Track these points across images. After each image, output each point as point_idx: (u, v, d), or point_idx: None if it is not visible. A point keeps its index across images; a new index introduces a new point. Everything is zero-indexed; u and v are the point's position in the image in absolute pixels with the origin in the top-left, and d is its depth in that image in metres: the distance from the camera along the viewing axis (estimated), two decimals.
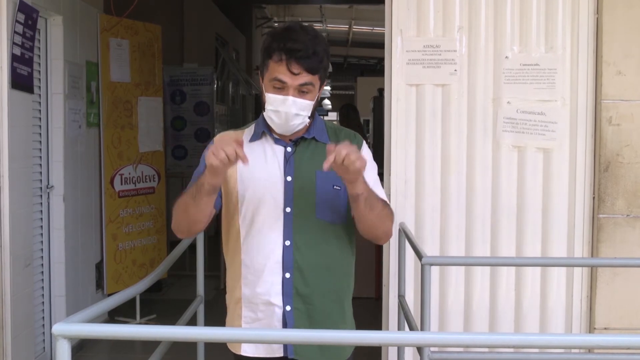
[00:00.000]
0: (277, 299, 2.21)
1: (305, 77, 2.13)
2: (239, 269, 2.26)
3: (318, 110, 2.30)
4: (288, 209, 2.20)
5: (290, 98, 2.13)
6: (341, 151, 1.97)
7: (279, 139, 2.24)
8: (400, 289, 3.33)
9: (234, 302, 2.29)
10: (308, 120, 2.19)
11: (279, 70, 2.13)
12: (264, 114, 2.19)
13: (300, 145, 2.24)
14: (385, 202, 2.22)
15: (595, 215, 3.50)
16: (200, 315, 3.27)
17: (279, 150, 2.23)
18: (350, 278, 2.33)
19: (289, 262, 2.20)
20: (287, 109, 2.13)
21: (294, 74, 2.12)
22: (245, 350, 2.26)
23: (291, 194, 2.20)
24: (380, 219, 2.18)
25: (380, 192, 2.25)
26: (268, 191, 2.20)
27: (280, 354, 2.23)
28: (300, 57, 2.11)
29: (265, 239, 2.21)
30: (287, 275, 2.20)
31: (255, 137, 2.27)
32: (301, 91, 2.14)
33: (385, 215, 2.20)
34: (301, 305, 2.21)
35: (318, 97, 2.22)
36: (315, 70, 2.14)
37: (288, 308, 2.21)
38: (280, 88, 2.14)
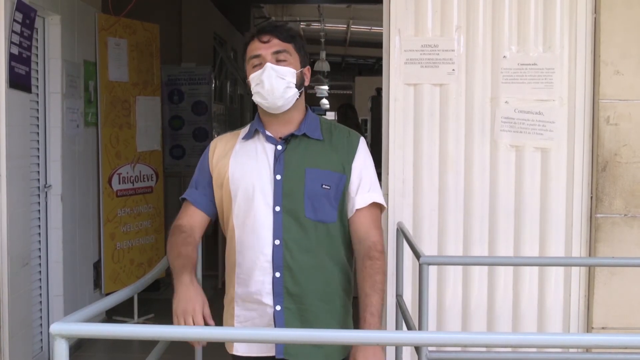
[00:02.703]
0: (268, 299, 2.20)
1: (276, 45, 2.20)
2: (233, 268, 2.27)
3: (316, 109, 2.30)
4: (277, 208, 2.19)
5: (268, 64, 2.18)
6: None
7: (271, 137, 2.25)
8: (398, 288, 3.33)
9: (228, 301, 2.30)
10: (297, 92, 2.20)
11: (252, 47, 2.22)
12: (254, 99, 2.23)
13: (291, 143, 2.23)
14: (378, 276, 2.19)
15: (593, 214, 3.50)
16: None
17: (270, 148, 2.24)
18: (346, 277, 2.30)
19: (278, 261, 2.19)
20: (268, 74, 2.16)
21: (264, 42, 2.19)
22: (237, 349, 2.26)
23: (280, 193, 2.19)
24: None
25: (377, 196, 2.25)
26: (258, 190, 2.20)
27: (272, 353, 2.21)
28: (267, 29, 2.22)
29: (256, 238, 2.20)
30: (277, 274, 2.19)
31: (248, 135, 2.28)
32: (278, 60, 2.19)
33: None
34: (292, 304, 2.20)
35: (303, 73, 2.24)
36: (285, 38, 2.21)
37: (278, 308, 2.20)
38: (259, 64, 2.20)
